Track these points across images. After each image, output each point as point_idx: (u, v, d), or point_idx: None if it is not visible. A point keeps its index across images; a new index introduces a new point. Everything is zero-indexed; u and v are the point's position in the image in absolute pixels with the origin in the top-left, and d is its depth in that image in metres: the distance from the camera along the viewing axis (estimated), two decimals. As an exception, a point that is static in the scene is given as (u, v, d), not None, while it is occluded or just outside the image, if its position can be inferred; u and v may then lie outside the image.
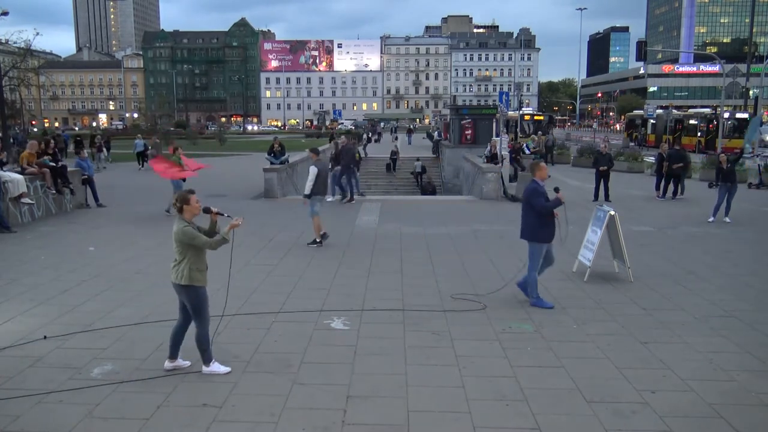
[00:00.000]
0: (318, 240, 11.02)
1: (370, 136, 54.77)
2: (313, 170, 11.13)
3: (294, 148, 33.21)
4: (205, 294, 5.38)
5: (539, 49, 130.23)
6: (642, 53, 36.29)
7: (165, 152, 17.75)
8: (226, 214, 5.51)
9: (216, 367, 5.43)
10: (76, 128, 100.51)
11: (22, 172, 13.45)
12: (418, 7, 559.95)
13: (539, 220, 7.55)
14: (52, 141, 17.71)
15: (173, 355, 5.50)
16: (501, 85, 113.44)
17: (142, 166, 28.01)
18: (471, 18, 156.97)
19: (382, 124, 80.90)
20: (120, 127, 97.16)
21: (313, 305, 7.43)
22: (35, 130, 56.25)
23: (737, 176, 14.29)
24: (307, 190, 11.08)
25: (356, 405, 4.85)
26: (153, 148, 28.62)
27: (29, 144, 15.38)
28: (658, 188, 18.24)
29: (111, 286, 8.31)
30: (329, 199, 15.93)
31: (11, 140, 37.33)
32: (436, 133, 44.68)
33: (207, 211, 5.42)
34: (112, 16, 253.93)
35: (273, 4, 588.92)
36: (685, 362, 5.73)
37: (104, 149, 29.75)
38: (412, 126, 75.92)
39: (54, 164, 14.73)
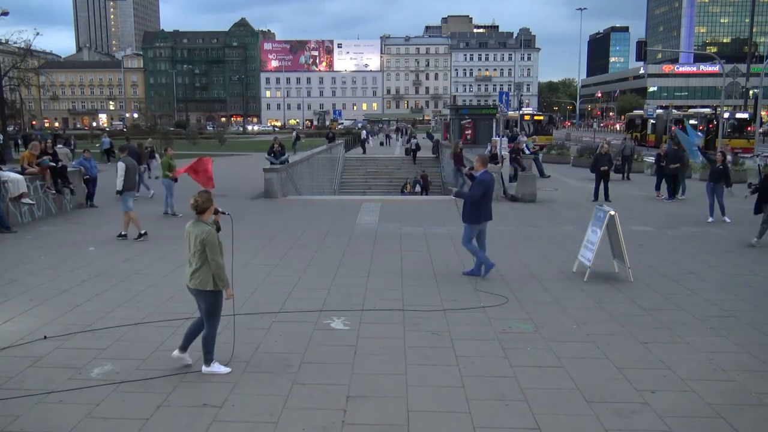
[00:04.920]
0: (143, 233, 11.52)
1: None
2: (121, 166, 11.66)
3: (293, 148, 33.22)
4: (222, 297, 5.43)
5: (539, 49, 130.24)
6: (642, 53, 36.41)
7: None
8: (227, 213, 5.64)
9: (216, 368, 5.43)
10: (49, 127, 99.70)
11: (22, 172, 13.46)
12: (412, 8, 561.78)
13: None
14: (49, 141, 17.76)
15: (184, 348, 5.53)
16: (501, 85, 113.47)
17: (108, 161, 30.12)
18: (471, 18, 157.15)
19: (360, 124, 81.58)
20: (120, 127, 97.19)
21: (313, 305, 7.43)
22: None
23: (731, 176, 14.32)
24: (119, 186, 11.56)
25: (356, 405, 4.85)
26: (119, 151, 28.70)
27: (31, 144, 15.37)
28: (658, 188, 18.23)
29: (111, 286, 8.31)
30: (151, 194, 17.72)
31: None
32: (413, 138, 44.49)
33: (215, 212, 5.53)
34: (112, 16, 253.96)
35: (267, 5, 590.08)
36: (685, 362, 5.73)
37: (155, 156, 26.56)
38: (400, 125, 77.68)
39: (54, 164, 14.73)
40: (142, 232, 11.51)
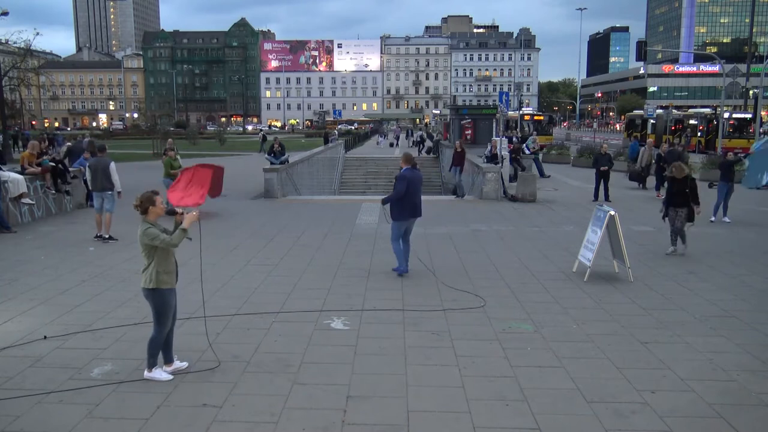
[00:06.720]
0: (105, 236, 11.47)
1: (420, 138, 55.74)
2: (88, 170, 11.92)
3: (294, 148, 33.24)
4: (170, 297, 5.24)
5: (539, 49, 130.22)
6: (642, 53, 36.19)
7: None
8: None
9: (157, 374, 5.26)
10: (48, 128, 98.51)
11: (22, 172, 13.46)
12: (412, 8, 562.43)
13: None
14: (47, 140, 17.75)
15: (168, 360, 5.42)
16: (501, 85, 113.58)
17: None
18: (471, 18, 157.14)
19: (346, 126, 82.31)
20: (120, 127, 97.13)
21: (313, 305, 7.43)
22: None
23: (734, 176, 14.27)
24: (91, 186, 11.88)
25: (356, 405, 4.85)
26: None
27: (30, 144, 15.38)
28: (658, 188, 18.21)
29: (111, 286, 8.31)
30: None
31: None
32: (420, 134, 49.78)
33: (172, 212, 5.32)
34: (112, 17, 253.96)
35: (264, 5, 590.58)
36: (685, 362, 5.73)
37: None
38: (399, 126, 79.78)
39: (54, 164, 14.73)
40: (101, 234, 11.46)
